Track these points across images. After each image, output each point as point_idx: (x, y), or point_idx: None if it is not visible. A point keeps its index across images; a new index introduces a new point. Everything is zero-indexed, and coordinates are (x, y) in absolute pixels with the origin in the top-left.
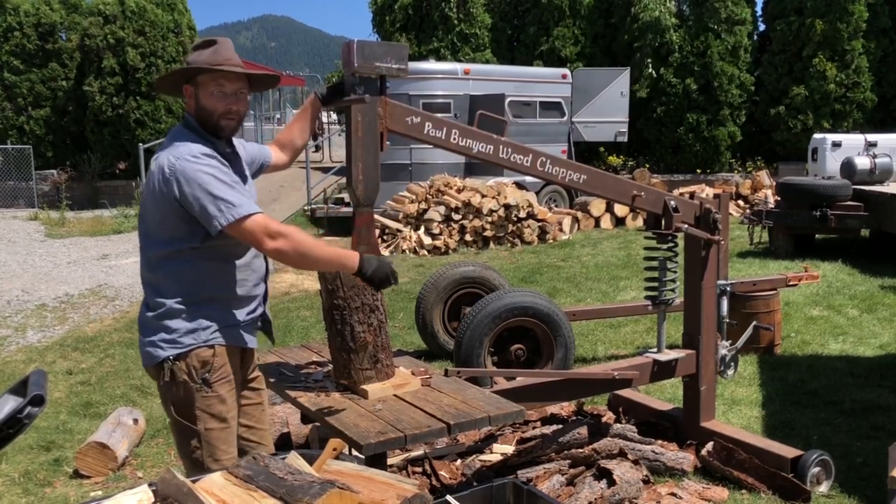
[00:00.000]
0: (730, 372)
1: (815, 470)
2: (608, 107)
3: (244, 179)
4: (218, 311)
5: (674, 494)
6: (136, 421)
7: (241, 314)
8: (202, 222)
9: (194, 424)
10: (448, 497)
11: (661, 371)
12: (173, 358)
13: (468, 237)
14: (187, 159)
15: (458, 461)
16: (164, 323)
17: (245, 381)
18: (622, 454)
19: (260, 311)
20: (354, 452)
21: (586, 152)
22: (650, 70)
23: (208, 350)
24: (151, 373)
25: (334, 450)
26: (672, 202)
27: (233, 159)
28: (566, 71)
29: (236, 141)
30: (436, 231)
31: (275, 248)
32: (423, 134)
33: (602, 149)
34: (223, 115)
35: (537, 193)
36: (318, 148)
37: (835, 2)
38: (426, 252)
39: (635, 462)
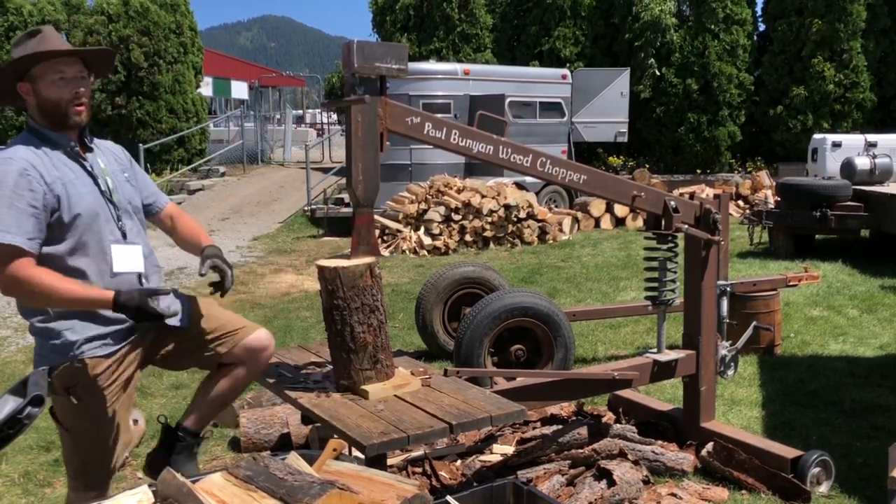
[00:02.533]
0: (730, 372)
1: (816, 470)
2: (608, 107)
3: (94, 179)
4: (79, 323)
5: (674, 495)
6: (135, 422)
7: (106, 325)
8: None
9: (66, 431)
10: (448, 497)
11: (661, 371)
12: (47, 370)
13: (468, 237)
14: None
15: (458, 461)
16: (39, 336)
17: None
18: (622, 454)
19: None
20: (355, 453)
21: (586, 153)
22: (653, 69)
23: (77, 365)
24: None
25: (334, 450)
26: (672, 202)
27: (77, 157)
28: (566, 71)
29: (106, 145)
30: (436, 231)
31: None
32: (423, 134)
33: (601, 149)
34: (71, 102)
35: (537, 194)
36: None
37: (834, 2)
38: (426, 252)
39: (635, 462)
